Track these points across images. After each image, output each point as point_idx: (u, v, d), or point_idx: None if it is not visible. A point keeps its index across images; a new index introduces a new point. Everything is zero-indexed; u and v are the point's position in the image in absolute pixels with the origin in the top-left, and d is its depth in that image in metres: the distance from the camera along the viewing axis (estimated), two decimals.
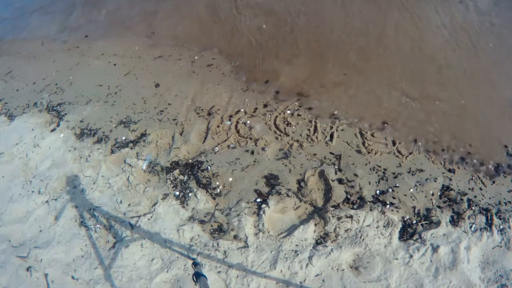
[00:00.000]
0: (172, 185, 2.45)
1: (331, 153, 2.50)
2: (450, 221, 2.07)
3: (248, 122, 2.77)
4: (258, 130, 2.71)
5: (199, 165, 2.54)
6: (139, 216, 2.31)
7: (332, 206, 2.19)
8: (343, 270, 1.95)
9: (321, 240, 2.07)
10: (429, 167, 2.35)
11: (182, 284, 2.02)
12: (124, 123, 2.94)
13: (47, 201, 2.51)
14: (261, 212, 2.20)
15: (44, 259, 2.21)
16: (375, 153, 2.45)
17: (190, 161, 2.58)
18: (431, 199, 2.19)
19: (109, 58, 3.65)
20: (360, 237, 2.04)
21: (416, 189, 2.24)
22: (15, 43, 4.31)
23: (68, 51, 3.91)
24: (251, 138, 2.66)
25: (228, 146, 2.64)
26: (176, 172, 2.51)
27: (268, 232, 2.13)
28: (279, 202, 2.25)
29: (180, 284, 2.03)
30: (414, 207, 2.16)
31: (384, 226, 2.07)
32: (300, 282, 1.93)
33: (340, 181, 2.32)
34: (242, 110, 2.87)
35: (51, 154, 2.82)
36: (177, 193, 2.41)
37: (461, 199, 2.16)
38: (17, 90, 3.60)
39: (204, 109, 2.93)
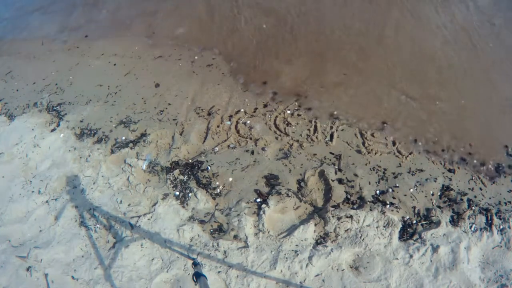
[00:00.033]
0: (172, 185, 2.45)
1: (331, 153, 2.50)
2: (450, 221, 2.07)
3: (248, 122, 2.77)
4: (258, 130, 2.71)
5: (199, 165, 2.54)
6: (139, 216, 2.31)
7: (332, 206, 2.19)
8: (343, 270, 1.95)
9: (321, 240, 2.07)
10: (429, 167, 2.35)
11: (182, 284, 2.02)
12: (124, 123, 2.94)
13: (47, 201, 2.51)
14: (261, 212, 2.20)
15: (44, 259, 2.21)
16: (375, 153, 2.45)
17: (190, 161, 2.58)
18: (431, 199, 2.19)
19: (109, 58, 3.65)
20: (360, 237, 2.04)
21: (416, 189, 2.24)
22: (15, 43, 4.30)
23: (68, 51, 3.91)
24: (251, 138, 2.66)
25: (228, 146, 2.64)
26: (176, 172, 2.51)
27: (268, 232, 2.13)
28: (279, 202, 2.25)
29: (180, 284, 2.03)
30: (414, 207, 2.16)
31: (384, 226, 2.07)
32: (300, 282, 1.93)
33: (340, 181, 2.32)
34: (242, 110, 2.87)
35: (51, 154, 2.82)
36: (177, 193, 2.41)
37: (461, 199, 2.16)
38: (17, 90, 3.60)
39: (204, 109, 2.93)
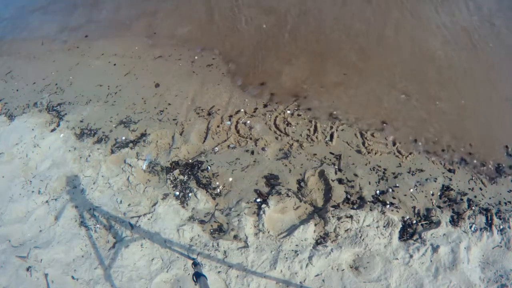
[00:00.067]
0: (172, 185, 2.45)
1: (331, 153, 2.50)
2: (450, 221, 2.07)
3: (248, 122, 2.77)
4: (258, 130, 2.71)
5: (199, 165, 2.54)
6: (139, 216, 2.31)
7: (332, 206, 2.19)
8: (343, 270, 1.95)
9: (321, 240, 2.06)
10: (429, 167, 2.35)
11: (182, 284, 2.02)
12: (124, 123, 2.94)
13: (47, 201, 2.51)
14: (261, 212, 2.20)
15: (44, 259, 2.21)
16: (375, 153, 2.45)
17: (190, 161, 2.58)
18: (431, 199, 2.19)
19: (109, 58, 3.65)
20: (360, 237, 2.04)
21: (416, 189, 2.24)
22: (15, 43, 4.31)
23: (68, 51, 3.91)
24: (251, 138, 2.66)
25: (228, 146, 2.64)
26: (176, 172, 2.51)
27: (268, 232, 2.13)
28: (279, 202, 2.25)
29: (180, 284, 2.03)
30: (414, 207, 2.16)
31: (384, 226, 2.07)
32: (300, 282, 1.93)
33: (340, 181, 2.32)
34: (242, 110, 2.87)
35: (51, 154, 2.82)
36: (177, 193, 2.41)
37: (461, 199, 2.16)
38: (17, 90, 3.60)
39: (204, 109, 2.93)
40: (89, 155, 2.73)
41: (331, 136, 2.59)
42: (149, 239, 2.19)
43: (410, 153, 2.43)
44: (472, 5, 3.24)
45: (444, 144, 2.46)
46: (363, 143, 2.52)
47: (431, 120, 2.59)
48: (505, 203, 2.14)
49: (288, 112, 2.79)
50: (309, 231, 2.09)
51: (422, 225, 2.09)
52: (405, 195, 2.22)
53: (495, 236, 2.00)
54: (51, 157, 2.80)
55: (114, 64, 3.57)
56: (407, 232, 2.06)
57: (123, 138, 2.82)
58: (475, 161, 2.35)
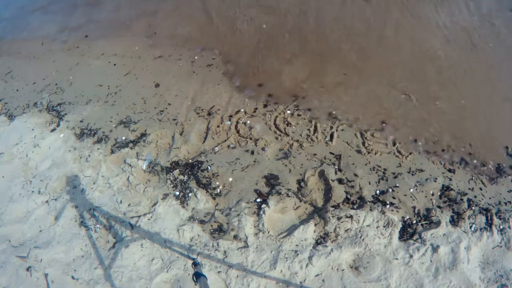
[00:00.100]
0: (172, 185, 2.45)
1: (331, 153, 2.50)
2: (450, 221, 2.07)
3: (248, 122, 2.77)
4: (258, 130, 2.71)
5: (199, 165, 2.54)
6: (139, 216, 2.31)
7: (332, 206, 2.19)
8: (343, 270, 1.95)
9: (321, 240, 2.06)
10: (429, 167, 2.35)
11: (182, 284, 2.02)
12: (124, 123, 2.94)
13: (47, 201, 2.51)
14: (261, 212, 2.20)
15: (44, 259, 2.21)
16: (375, 153, 2.45)
17: (190, 161, 2.58)
18: (431, 199, 2.19)
19: (109, 58, 3.65)
20: (360, 237, 2.04)
21: (416, 189, 2.23)
22: (15, 43, 4.31)
23: (68, 51, 3.91)
24: (251, 138, 2.66)
25: (228, 146, 2.64)
26: (176, 172, 2.51)
27: (268, 232, 2.13)
28: (279, 202, 2.25)
29: (180, 284, 2.03)
30: (414, 207, 2.16)
31: (384, 226, 2.07)
32: (300, 282, 1.93)
33: (340, 181, 2.32)
34: (242, 110, 2.87)
35: (51, 154, 2.82)
36: (177, 193, 2.41)
37: (461, 199, 2.16)
38: (17, 90, 3.60)
39: (204, 109, 2.93)
40: (89, 155, 2.73)
41: (331, 136, 2.59)
42: (149, 239, 2.19)
43: (410, 153, 2.43)
44: (472, 5, 3.24)
45: (444, 144, 2.46)
46: (363, 143, 2.52)
47: (431, 120, 2.59)
48: (505, 203, 2.13)
49: (288, 112, 2.79)
50: (309, 231, 2.09)
51: (422, 225, 2.09)
52: (405, 195, 2.22)
53: (495, 236, 2.00)
54: (51, 157, 2.80)
55: (114, 64, 3.57)
56: (407, 232, 2.06)
57: (123, 138, 2.82)
58: (475, 161, 2.35)
